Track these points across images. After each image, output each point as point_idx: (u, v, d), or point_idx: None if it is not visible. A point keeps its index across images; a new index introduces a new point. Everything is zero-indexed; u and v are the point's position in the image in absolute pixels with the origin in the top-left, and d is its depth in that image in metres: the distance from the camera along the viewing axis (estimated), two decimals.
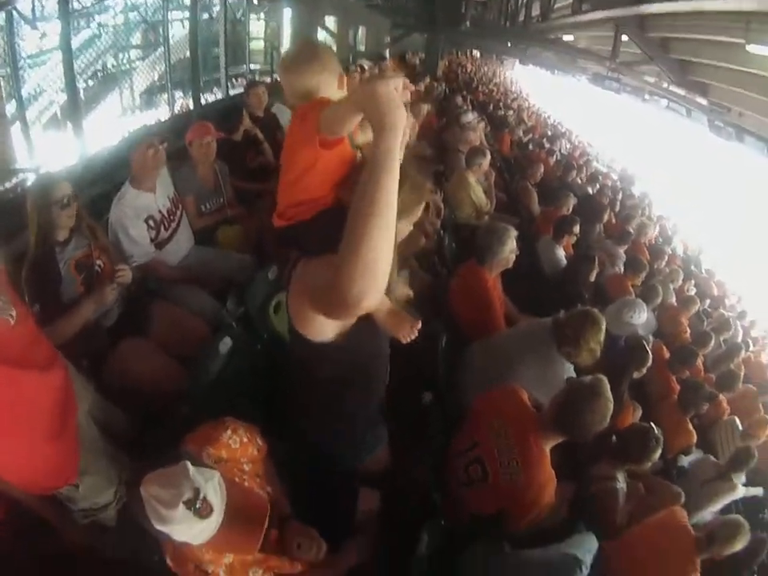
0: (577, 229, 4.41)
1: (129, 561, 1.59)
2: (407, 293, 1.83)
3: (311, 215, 1.36)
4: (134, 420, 2.06)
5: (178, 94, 5.60)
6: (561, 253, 4.38)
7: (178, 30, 6.01)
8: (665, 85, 7.90)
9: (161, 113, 5.51)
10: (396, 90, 1.02)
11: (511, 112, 12.02)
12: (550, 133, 13.19)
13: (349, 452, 1.82)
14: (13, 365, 1.33)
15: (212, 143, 3.17)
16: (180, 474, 1.15)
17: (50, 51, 5.38)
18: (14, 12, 3.59)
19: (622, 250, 5.38)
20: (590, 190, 7.24)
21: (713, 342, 4.86)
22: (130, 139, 2.77)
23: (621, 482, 2.51)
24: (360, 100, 1.06)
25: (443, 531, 1.81)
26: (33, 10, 5.06)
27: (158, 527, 1.13)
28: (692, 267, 9.10)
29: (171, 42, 5.13)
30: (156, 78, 5.59)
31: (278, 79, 1.48)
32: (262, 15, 8.56)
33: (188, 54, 5.22)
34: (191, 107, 5.31)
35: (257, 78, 6.90)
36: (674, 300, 5.58)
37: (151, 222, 2.70)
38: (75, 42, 4.31)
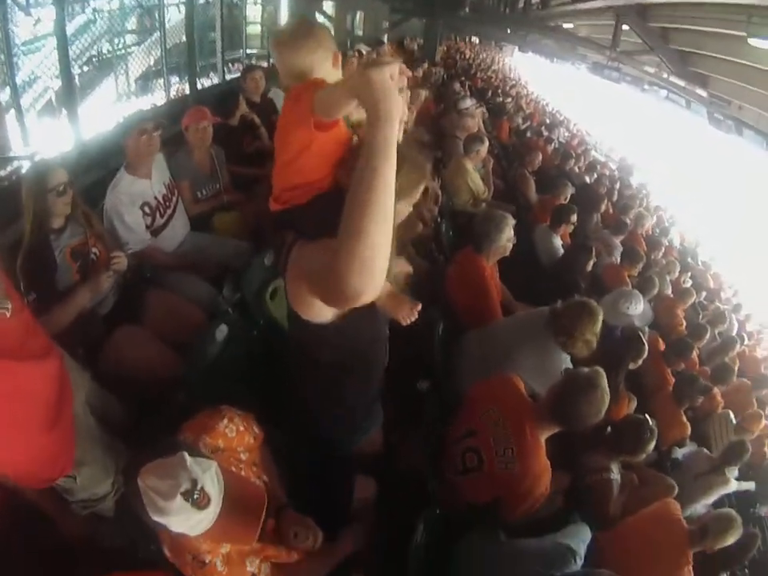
0: (574, 218, 4.39)
1: (126, 551, 1.59)
2: (407, 270, 1.84)
3: (307, 199, 1.34)
4: (131, 409, 2.05)
5: (174, 78, 5.53)
6: (558, 242, 4.36)
7: (174, 14, 5.94)
8: (665, 75, 7.85)
9: (157, 98, 5.46)
10: (392, 76, 0.99)
11: (510, 99, 11.97)
12: (548, 121, 13.11)
13: (346, 436, 1.82)
14: (8, 357, 1.32)
15: (208, 128, 3.14)
16: (177, 465, 1.15)
17: (44, 37, 5.32)
18: None
19: (618, 241, 5.38)
20: (587, 179, 7.22)
21: (708, 334, 4.89)
22: (125, 125, 2.73)
23: (615, 473, 2.53)
24: (355, 86, 1.03)
25: (439, 520, 1.82)
26: None
27: (156, 518, 1.13)
28: (688, 259, 9.11)
29: (167, 26, 5.05)
30: (152, 63, 5.52)
31: (275, 64, 1.46)
32: None
33: (184, 38, 5.14)
34: (187, 92, 5.25)
35: (254, 63, 6.83)
36: (670, 292, 5.60)
37: (147, 209, 2.68)
38: (70, 28, 4.26)
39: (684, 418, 3.83)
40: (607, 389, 1.98)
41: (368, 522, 1.82)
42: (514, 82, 18.41)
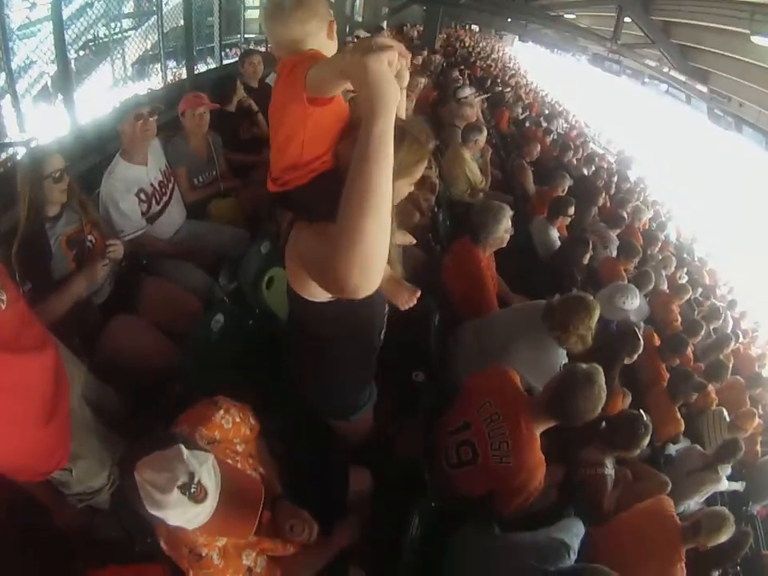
0: (572, 210, 4.39)
1: (123, 544, 1.59)
2: (408, 240, 1.87)
3: (307, 180, 1.28)
4: (127, 399, 2.04)
5: (171, 63, 5.48)
6: (555, 234, 4.36)
7: None
8: (665, 69, 7.82)
9: (153, 83, 5.39)
10: (390, 63, 0.92)
11: (509, 89, 11.89)
12: (547, 111, 13.06)
13: (341, 409, 1.81)
14: (3, 349, 1.31)
15: (205, 114, 3.09)
16: (174, 458, 1.15)
17: (39, 22, 5.24)
18: None
19: (615, 234, 5.38)
20: (585, 172, 7.20)
21: (703, 330, 4.91)
22: (121, 110, 2.69)
23: (609, 469, 2.54)
24: (350, 71, 0.97)
25: (434, 512, 1.83)
26: None
27: (153, 512, 1.12)
28: (685, 255, 9.13)
29: (164, 10, 4.99)
30: (149, 47, 5.44)
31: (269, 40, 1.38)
32: None
33: (181, 22, 5.09)
34: (184, 77, 5.20)
35: (252, 48, 6.75)
36: (666, 287, 5.61)
37: (142, 196, 2.65)
38: (66, 12, 4.16)
39: (678, 414, 3.86)
40: (604, 386, 1.98)
41: (363, 514, 1.82)
42: (513, 72, 18.31)
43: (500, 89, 11.23)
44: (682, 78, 7.59)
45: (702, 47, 7.06)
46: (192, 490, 1.12)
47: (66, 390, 1.57)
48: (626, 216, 5.80)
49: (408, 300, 1.63)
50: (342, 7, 9.95)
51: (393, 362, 1.97)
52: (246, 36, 7.52)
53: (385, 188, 0.95)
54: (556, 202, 4.44)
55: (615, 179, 8.42)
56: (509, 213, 2.96)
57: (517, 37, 19.89)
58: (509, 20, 14.58)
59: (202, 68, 5.82)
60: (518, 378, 2.16)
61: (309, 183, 1.27)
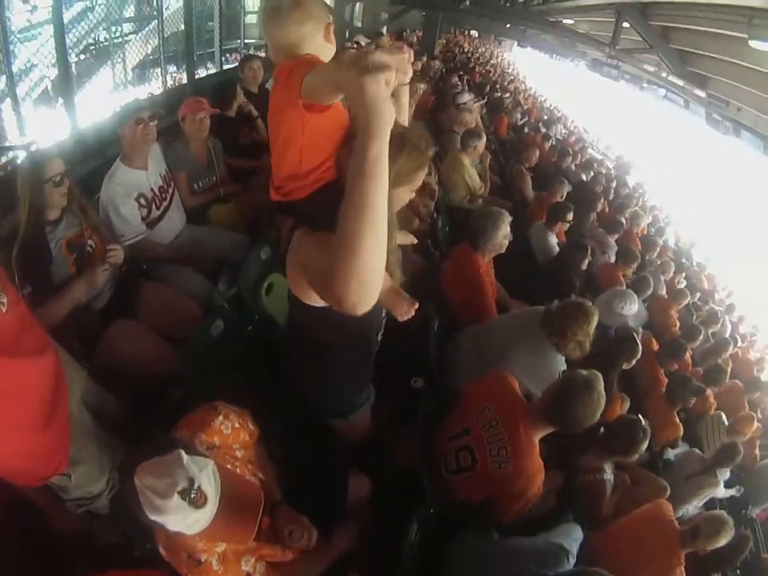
0: (570, 216, 4.39)
1: (122, 549, 1.59)
2: (411, 240, 1.87)
3: (308, 192, 1.28)
4: (127, 404, 2.04)
5: (172, 68, 5.49)
6: (553, 239, 4.37)
7: (172, 2, 5.85)
8: (664, 74, 7.85)
9: (154, 87, 5.41)
10: (387, 83, 0.89)
11: (508, 94, 11.93)
12: (546, 117, 13.09)
13: (340, 408, 1.82)
14: (3, 353, 1.31)
15: (205, 119, 3.10)
16: (174, 464, 1.15)
17: (40, 25, 5.23)
18: None
19: (613, 240, 5.37)
20: (584, 177, 7.22)
21: (702, 335, 4.91)
22: (122, 114, 2.70)
23: (608, 474, 2.55)
24: (346, 88, 0.97)
25: (433, 518, 1.83)
26: None
27: (152, 517, 1.13)
28: (683, 260, 9.14)
29: (165, 14, 5.00)
30: (149, 51, 5.45)
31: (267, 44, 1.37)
32: None
33: (182, 27, 5.11)
34: (185, 82, 5.21)
35: (252, 53, 6.76)
36: (664, 292, 5.62)
37: (142, 200, 2.65)
38: (67, 16, 4.17)
39: (677, 419, 3.86)
40: (603, 392, 1.98)
41: (362, 520, 1.82)
42: (512, 77, 18.37)
43: (499, 94, 11.28)
44: (680, 82, 7.61)
45: (701, 52, 7.08)
46: (192, 496, 1.12)
47: (65, 394, 1.57)
48: (624, 221, 5.80)
49: (407, 311, 1.63)
50: (341, 12, 10.00)
51: (392, 368, 1.98)
52: (246, 41, 7.52)
53: (381, 204, 0.96)
54: (555, 208, 4.45)
55: (614, 185, 8.44)
56: (508, 219, 2.96)
57: (516, 42, 19.92)
58: (507, 25, 14.60)
59: (202, 73, 5.84)
60: (516, 383, 2.16)
61: (307, 197, 1.29)
